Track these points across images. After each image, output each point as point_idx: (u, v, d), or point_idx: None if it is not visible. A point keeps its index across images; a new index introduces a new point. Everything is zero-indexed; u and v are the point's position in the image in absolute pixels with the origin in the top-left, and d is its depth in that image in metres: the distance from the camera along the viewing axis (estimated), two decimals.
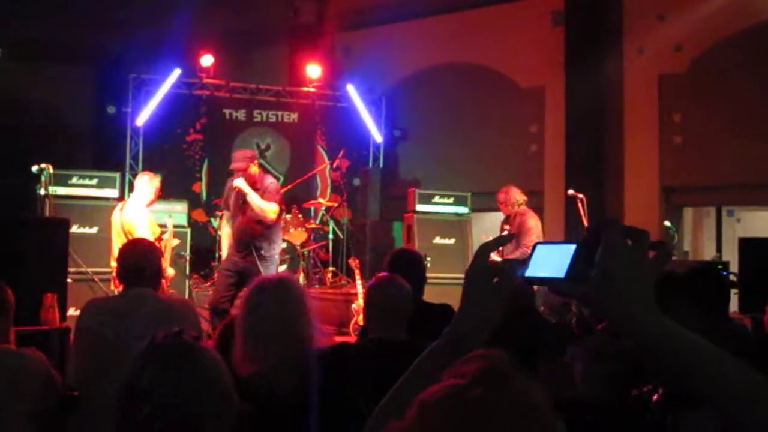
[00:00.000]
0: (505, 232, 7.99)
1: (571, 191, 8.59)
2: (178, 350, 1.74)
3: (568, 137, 11.14)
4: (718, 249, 11.08)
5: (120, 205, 7.33)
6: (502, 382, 1.06)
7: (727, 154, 10.13)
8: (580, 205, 8.30)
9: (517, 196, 8.10)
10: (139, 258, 3.63)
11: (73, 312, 6.02)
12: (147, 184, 7.18)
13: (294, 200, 10.91)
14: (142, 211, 6.99)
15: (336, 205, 11.48)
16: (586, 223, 8.25)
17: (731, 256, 10.48)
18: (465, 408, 1.02)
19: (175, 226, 7.95)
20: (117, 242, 6.76)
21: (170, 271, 7.16)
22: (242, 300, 2.89)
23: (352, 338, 7.36)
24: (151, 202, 7.23)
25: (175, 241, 7.41)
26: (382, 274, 4.11)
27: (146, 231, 6.73)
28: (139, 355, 1.75)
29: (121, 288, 3.72)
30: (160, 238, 7.08)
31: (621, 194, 11.00)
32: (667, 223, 9.20)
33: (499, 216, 11.43)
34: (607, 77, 11.00)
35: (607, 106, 11.10)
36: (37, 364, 2.98)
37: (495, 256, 7.92)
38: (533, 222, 8.02)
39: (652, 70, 10.85)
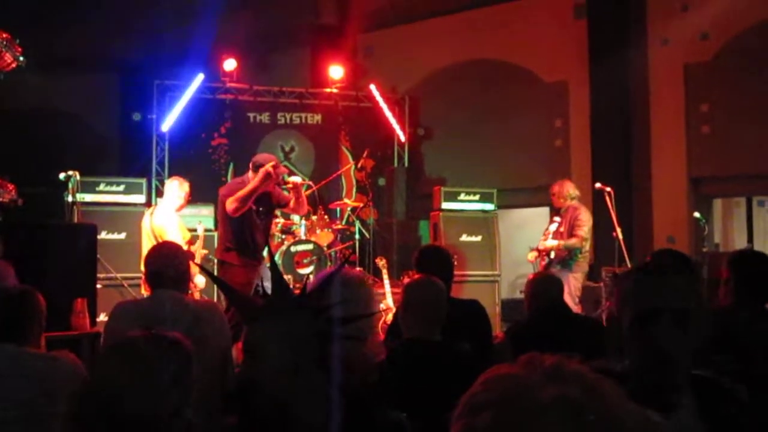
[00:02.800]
0: (554, 224, 8.18)
1: (598, 185, 8.52)
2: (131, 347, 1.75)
3: (593, 131, 11.05)
4: (750, 240, 10.95)
5: (150, 210, 7.37)
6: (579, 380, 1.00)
7: (756, 143, 9.99)
8: (607, 198, 8.23)
9: (570, 190, 8.29)
10: (166, 261, 3.64)
11: (103, 317, 6.05)
12: (177, 189, 7.22)
13: (320, 201, 10.92)
14: (172, 216, 7.04)
15: (362, 205, 11.49)
16: (614, 217, 8.19)
17: (763, 246, 10.35)
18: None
19: (206, 230, 7.99)
20: (147, 247, 6.76)
21: (199, 279, 7.16)
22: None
23: (380, 337, 7.33)
24: (181, 207, 7.27)
25: (204, 251, 7.46)
26: (415, 274, 4.10)
27: (177, 235, 6.76)
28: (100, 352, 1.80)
29: (149, 291, 3.73)
30: (191, 242, 7.12)
31: (649, 186, 10.89)
32: (696, 215, 9.08)
33: (526, 212, 11.42)
34: (632, 69, 10.90)
35: (633, 97, 11.00)
36: (70, 366, 3.01)
37: (544, 242, 7.98)
38: (586, 216, 8.19)
39: (677, 60, 10.73)
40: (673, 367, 1.82)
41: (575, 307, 7.59)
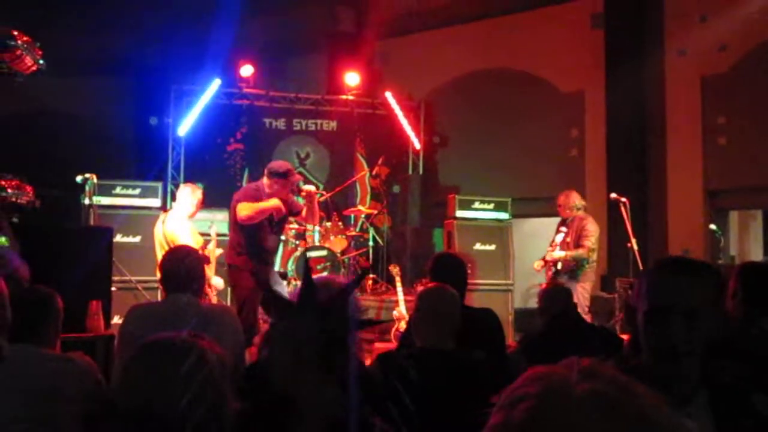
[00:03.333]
0: (561, 234, 8.15)
1: (613, 195, 8.51)
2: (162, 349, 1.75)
3: (609, 141, 11.03)
4: (766, 252, 10.89)
5: (162, 217, 7.37)
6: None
7: None
8: (623, 208, 8.22)
9: (577, 201, 8.27)
10: (179, 264, 3.66)
11: (117, 320, 6.09)
12: (189, 195, 7.22)
13: (334, 208, 10.94)
14: (183, 223, 7.04)
15: (376, 212, 11.50)
16: (629, 228, 8.17)
17: None
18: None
19: (218, 235, 8.01)
20: (160, 254, 6.82)
21: (217, 281, 7.18)
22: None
23: (393, 345, 7.34)
24: (193, 214, 7.27)
25: (219, 251, 7.46)
26: (429, 282, 4.09)
27: (189, 241, 6.74)
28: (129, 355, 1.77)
29: (164, 294, 3.75)
30: (204, 247, 7.13)
31: (664, 197, 10.84)
32: (713, 227, 9.06)
33: (540, 222, 11.37)
34: (649, 79, 10.87)
35: (649, 108, 10.97)
36: (84, 367, 3.03)
37: (551, 253, 7.93)
38: (593, 227, 8.18)
39: (694, 71, 10.69)
40: (681, 361, 1.91)
41: (585, 317, 7.57)
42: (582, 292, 8.00)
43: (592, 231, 8.10)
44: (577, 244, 8.01)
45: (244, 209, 6.49)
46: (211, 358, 1.78)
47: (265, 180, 6.77)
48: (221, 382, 1.75)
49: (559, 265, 8.04)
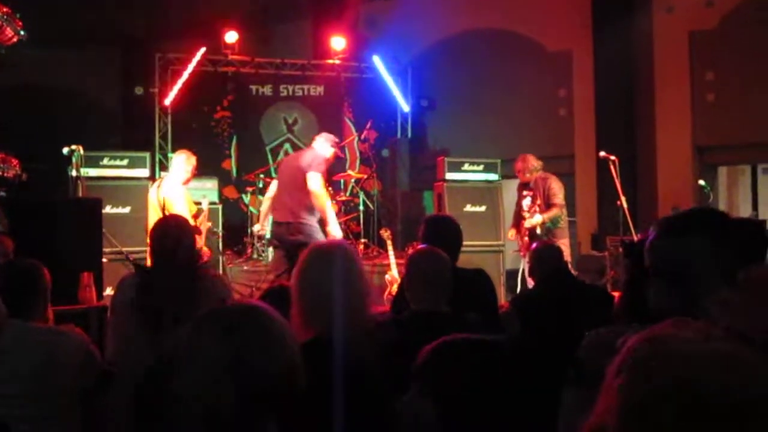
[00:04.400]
0: (528, 198, 8.10)
1: (602, 153, 8.49)
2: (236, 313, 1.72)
3: (597, 100, 11.00)
4: (755, 207, 10.94)
5: (157, 182, 7.41)
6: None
7: (762, 111, 9.93)
8: (612, 167, 8.20)
9: (534, 162, 8.21)
10: (171, 234, 3.64)
11: (109, 291, 6.08)
12: (184, 162, 7.26)
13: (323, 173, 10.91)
14: (179, 189, 7.09)
15: (365, 176, 11.47)
16: (618, 186, 8.16)
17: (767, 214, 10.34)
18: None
19: (210, 204, 8.01)
20: (153, 219, 6.83)
21: (204, 252, 7.20)
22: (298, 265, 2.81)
23: (385, 308, 7.36)
24: (188, 181, 7.31)
25: (208, 224, 7.49)
26: (420, 245, 4.08)
27: (183, 208, 6.81)
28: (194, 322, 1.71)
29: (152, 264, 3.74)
30: (196, 216, 7.15)
31: (653, 155, 10.85)
32: (701, 183, 9.08)
33: None
34: (636, 37, 10.82)
35: (637, 66, 10.94)
36: (76, 341, 3.02)
37: (531, 220, 7.87)
38: (557, 184, 8.12)
39: (682, 27, 10.64)
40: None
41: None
42: (565, 250, 8.01)
43: (558, 188, 8.06)
44: (549, 204, 7.97)
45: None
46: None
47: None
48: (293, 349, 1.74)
49: (538, 230, 8.02)
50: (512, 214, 8.57)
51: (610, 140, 10.09)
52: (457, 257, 4.18)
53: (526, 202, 8.09)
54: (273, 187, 9.00)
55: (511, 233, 8.35)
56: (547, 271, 4.61)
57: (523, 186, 8.26)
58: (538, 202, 8.00)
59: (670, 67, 10.80)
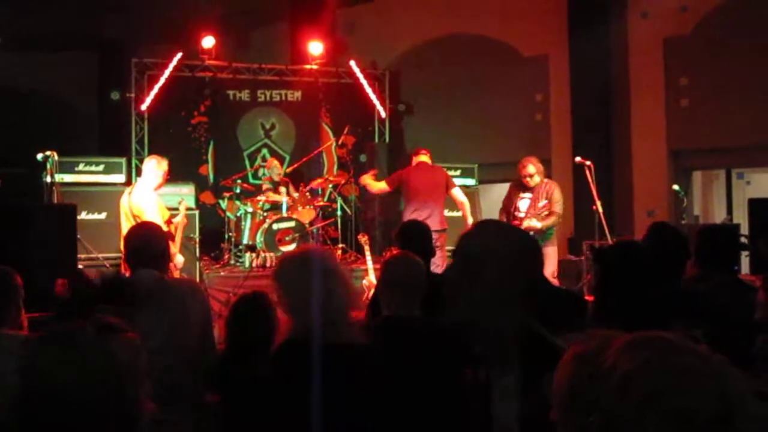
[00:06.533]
0: (525, 200, 7.97)
1: (578, 158, 8.54)
2: (63, 337, 1.66)
3: (573, 104, 11.08)
4: (729, 212, 11.04)
5: (128, 189, 7.27)
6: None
7: (736, 115, 10.04)
8: (587, 172, 8.25)
9: (540, 166, 8.09)
10: (145, 241, 3.63)
11: None
12: (154, 167, 7.10)
13: (301, 178, 10.91)
14: (150, 195, 6.94)
15: (343, 181, 11.47)
16: (594, 191, 8.20)
17: (742, 218, 10.44)
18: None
19: (187, 209, 7.94)
20: (126, 226, 6.73)
21: (179, 258, 7.13)
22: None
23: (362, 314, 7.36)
24: (159, 186, 7.16)
25: (184, 219, 7.41)
26: (394, 250, 4.10)
27: (155, 214, 6.69)
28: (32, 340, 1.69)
29: (128, 272, 3.72)
30: (169, 221, 7.07)
31: (629, 159, 10.94)
32: (675, 187, 9.16)
33: (506, 187, 11.35)
34: (612, 42, 10.91)
35: (612, 71, 11.02)
36: None
37: (529, 222, 7.74)
38: (559, 194, 8.02)
39: (656, 33, 10.73)
40: None
41: (554, 281, 7.59)
42: (553, 255, 8.00)
43: (560, 196, 7.97)
44: (549, 211, 7.86)
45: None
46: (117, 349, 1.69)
47: None
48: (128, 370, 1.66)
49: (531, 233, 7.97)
50: (497, 214, 8.36)
51: (586, 145, 10.17)
52: (430, 261, 4.20)
53: (524, 204, 7.96)
54: None
55: None
56: None
57: (520, 187, 8.08)
58: (540, 204, 7.90)
59: (645, 72, 10.90)
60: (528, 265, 2.00)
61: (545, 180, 8.08)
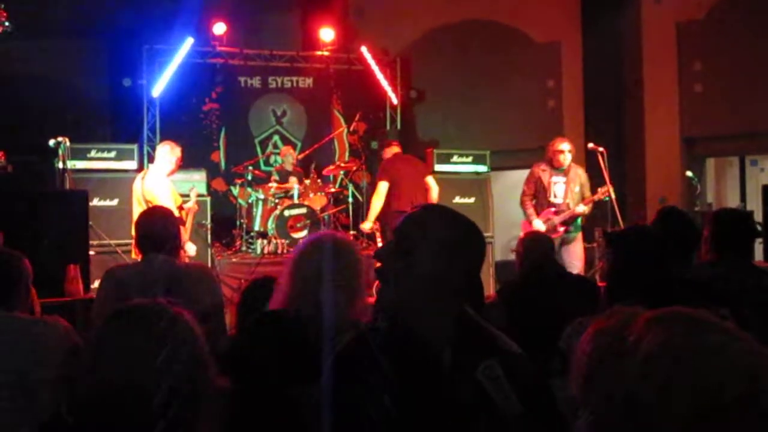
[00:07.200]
0: (560, 185, 7.80)
1: (591, 145, 8.48)
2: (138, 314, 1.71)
3: (586, 91, 11.02)
4: (742, 199, 10.97)
5: (141, 174, 7.28)
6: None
7: (749, 101, 9.96)
8: (600, 158, 8.19)
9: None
10: (156, 226, 3.63)
11: (96, 284, 6.06)
12: (168, 153, 7.12)
13: (312, 165, 10.90)
14: (163, 181, 6.96)
15: (354, 168, 11.45)
16: (607, 177, 8.14)
17: (755, 205, 10.37)
18: None
19: (198, 195, 7.94)
20: (137, 211, 6.74)
21: (190, 247, 7.14)
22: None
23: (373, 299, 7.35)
24: (172, 172, 7.18)
25: (195, 206, 7.42)
26: None
27: (168, 200, 6.70)
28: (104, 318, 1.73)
29: (140, 256, 3.73)
30: (181, 207, 7.08)
31: (642, 146, 10.87)
32: (689, 174, 9.09)
33: (518, 174, 11.31)
34: (625, 28, 10.83)
35: (625, 57, 10.94)
36: (60, 332, 3.00)
37: (576, 209, 7.59)
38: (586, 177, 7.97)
39: (669, 18, 10.65)
40: None
41: (579, 271, 7.50)
42: (581, 243, 7.93)
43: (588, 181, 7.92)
44: (583, 196, 7.77)
45: None
46: (183, 323, 1.74)
47: None
48: (195, 346, 1.72)
49: (579, 221, 7.75)
50: (501, 205, 8.26)
51: (599, 131, 10.11)
52: None
53: (560, 189, 7.79)
54: None
55: (540, 223, 7.71)
56: (534, 260, 4.61)
57: (551, 170, 7.88)
58: (576, 189, 7.77)
59: (658, 57, 10.81)
60: (469, 255, 1.96)
61: (573, 164, 7.95)
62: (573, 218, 7.77)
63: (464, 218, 1.99)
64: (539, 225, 7.67)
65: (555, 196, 7.82)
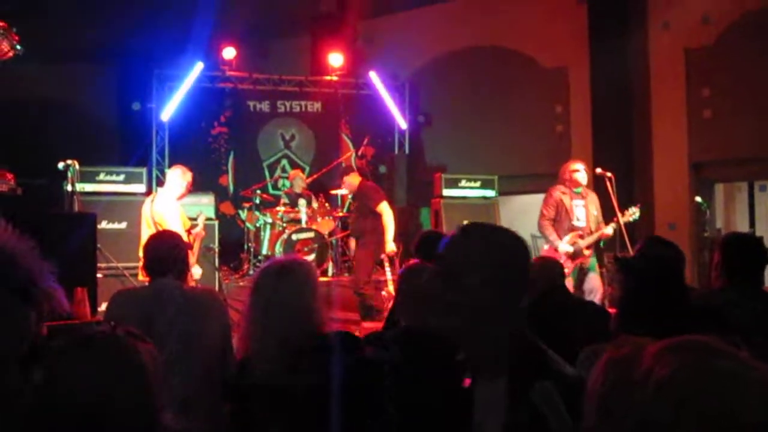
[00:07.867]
0: (581, 209, 7.69)
1: (599, 170, 8.45)
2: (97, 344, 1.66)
3: (594, 116, 11.00)
4: (752, 224, 10.94)
5: (150, 197, 7.27)
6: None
7: (758, 127, 9.93)
8: (608, 183, 8.16)
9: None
10: (165, 249, 3.62)
11: (104, 307, 6.05)
12: (179, 177, 7.11)
13: (320, 189, 10.91)
14: (172, 204, 6.95)
15: None
16: (615, 203, 8.11)
17: (765, 231, 10.33)
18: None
19: (207, 219, 7.94)
20: (146, 234, 6.73)
21: (196, 270, 7.12)
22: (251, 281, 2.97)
23: (378, 324, 7.33)
24: (182, 196, 7.17)
25: (202, 231, 7.42)
26: (412, 261, 4.07)
27: (176, 224, 6.69)
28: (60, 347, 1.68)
29: (147, 279, 3.72)
30: (189, 231, 7.07)
31: (650, 171, 10.85)
32: (698, 200, 9.07)
33: (526, 199, 11.31)
34: (633, 53, 10.84)
35: (633, 82, 10.94)
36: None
37: (605, 231, 7.46)
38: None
39: (678, 44, 10.66)
40: None
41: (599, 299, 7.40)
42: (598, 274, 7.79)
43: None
44: (598, 219, 7.67)
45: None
46: (137, 352, 1.67)
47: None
48: (146, 376, 1.65)
49: (602, 244, 7.60)
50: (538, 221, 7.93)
51: (607, 156, 10.08)
52: None
53: (581, 213, 7.67)
54: None
55: (568, 246, 7.51)
56: (544, 286, 4.58)
57: (569, 192, 7.73)
58: (595, 212, 7.69)
59: (666, 83, 10.81)
60: (516, 272, 1.93)
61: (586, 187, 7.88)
62: (598, 241, 7.68)
63: (507, 235, 1.96)
64: (566, 248, 7.48)
65: (578, 219, 7.67)
